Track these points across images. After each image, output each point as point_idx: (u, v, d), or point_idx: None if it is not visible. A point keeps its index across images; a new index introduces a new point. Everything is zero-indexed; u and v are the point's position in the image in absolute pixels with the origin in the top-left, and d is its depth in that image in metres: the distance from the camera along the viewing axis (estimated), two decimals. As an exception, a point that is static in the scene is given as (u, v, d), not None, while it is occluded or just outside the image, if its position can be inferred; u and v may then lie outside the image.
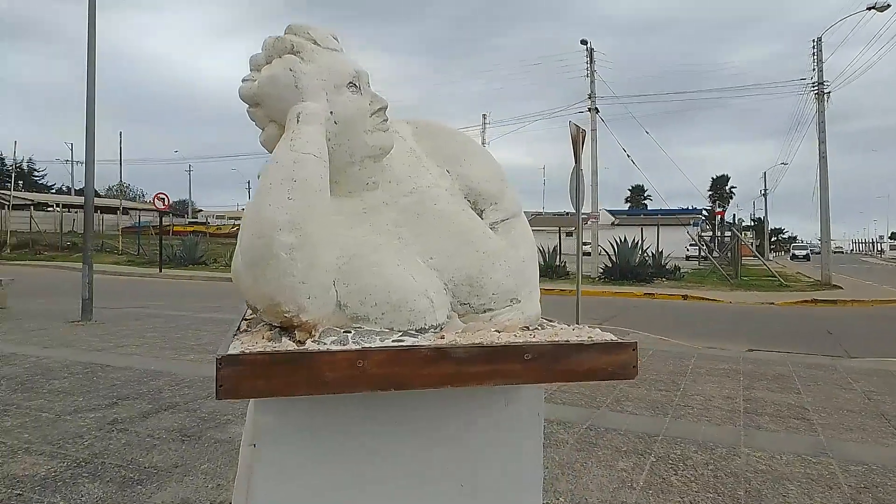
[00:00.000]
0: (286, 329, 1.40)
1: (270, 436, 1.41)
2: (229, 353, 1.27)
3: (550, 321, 1.84)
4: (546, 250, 22.82)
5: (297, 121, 1.51)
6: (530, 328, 1.68)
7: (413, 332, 1.50)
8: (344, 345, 1.35)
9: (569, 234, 29.12)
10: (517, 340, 1.47)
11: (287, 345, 1.34)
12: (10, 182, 47.05)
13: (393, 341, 1.40)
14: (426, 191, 1.75)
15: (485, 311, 1.71)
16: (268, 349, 1.31)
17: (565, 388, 5.57)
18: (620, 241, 22.72)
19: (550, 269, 22.37)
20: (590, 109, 25.10)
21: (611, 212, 35.85)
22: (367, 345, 1.36)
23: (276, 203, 1.38)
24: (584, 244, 19.71)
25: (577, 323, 1.79)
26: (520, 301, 1.75)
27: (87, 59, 9.94)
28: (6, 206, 40.56)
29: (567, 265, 23.42)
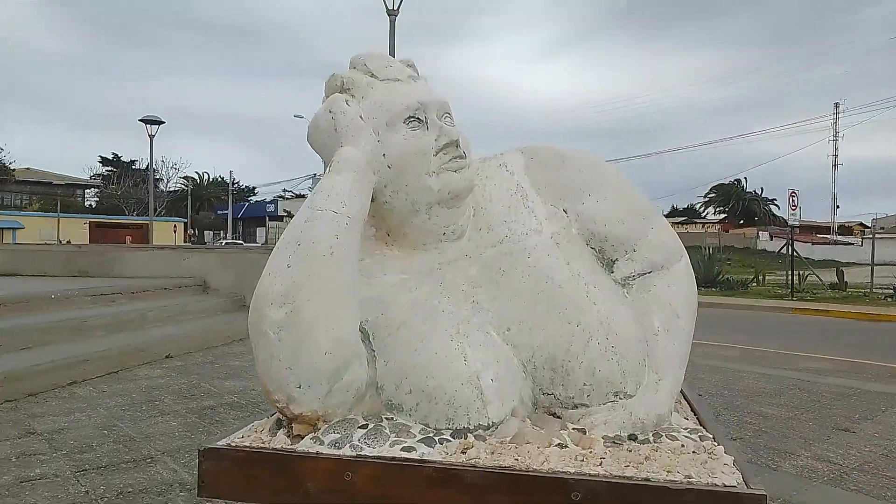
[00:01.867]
0: (290, 420, 1.22)
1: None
2: (216, 445, 1.15)
3: (696, 429, 1.33)
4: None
5: (329, 170, 1.33)
6: (637, 438, 1.22)
7: (448, 432, 1.19)
8: (339, 448, 1.13)
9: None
10: (566, 469, 1.05)
11: (280, 440, 1.17)
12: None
13: (402, 448, 1.13)
14: (519, 239, 1.42)
15: (575, 407, 1.30)
16: (253, 444, 1.16)
17: None
18: None
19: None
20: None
21: None
22: (365, 451, 1.11)
23: (275, 271, 1.21)
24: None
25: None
26: (628, 395, 1.29)
27: None
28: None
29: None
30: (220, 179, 55.78)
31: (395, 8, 12.58)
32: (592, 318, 1.32)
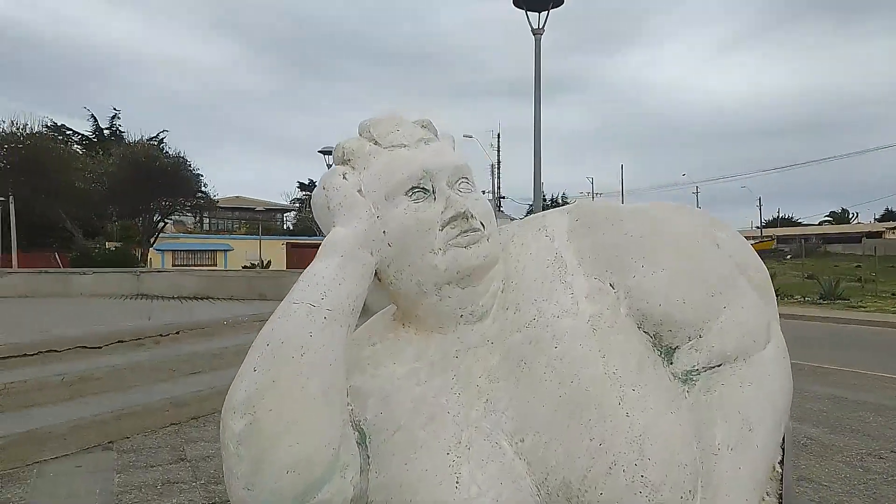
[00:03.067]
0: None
1: None
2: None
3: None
4: None
5: (317, 256, 1.21)
6: None
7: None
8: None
9: None
10: None
11: None
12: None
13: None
14: (549, 323, 1.19)
15: None
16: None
17: None
18: None
19: None
20: None
21: None
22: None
23: (242, 373, 1.11)
24: None
25: None
26: None
27: (533, 100, 12.22)
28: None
29: None
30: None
31: (541, 27, 12.38)
32: (621, 434, 1.06)
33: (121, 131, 33.28)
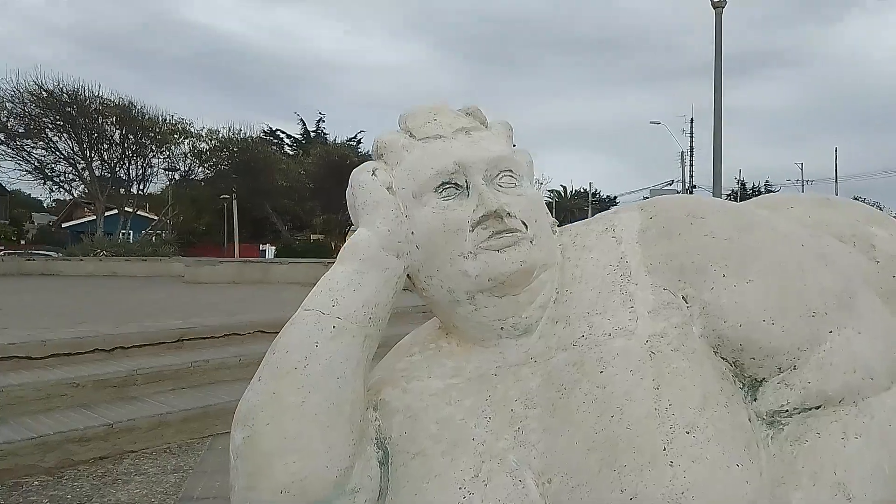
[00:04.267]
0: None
1: None
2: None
3: None
4: None
5: (336, 260, 1.09)
6: None
7: None
8: None
9: None
10: None
11: None
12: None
13: None
14: (598, 342, 0.99)
15: None
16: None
17: None
18: None
19: None
20: None
21: None
22: None
23: (251, 384, 1.03)
24: None
25: None
26: None
27: (714, 79, 11.51)
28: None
29: None
30: (581, 191, 57.87)
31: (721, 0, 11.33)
32: (659, 488, 0.82)
33: (325, 133, 36.55)
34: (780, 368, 0.93)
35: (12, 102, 19.57)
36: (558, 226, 1.19)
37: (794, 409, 0.92)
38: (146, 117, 21.51)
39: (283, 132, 36.22)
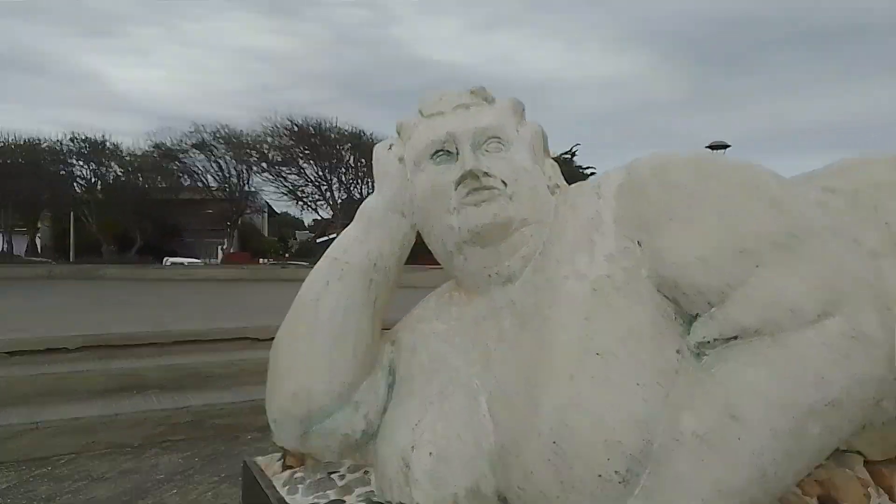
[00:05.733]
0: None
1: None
2: (254, 459, 1.37)
3: None
4: None
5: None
6: None
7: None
8: (293, 494, 1.18)
9: None
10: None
11: (275, 468, 1.30)
12: None
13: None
14: (555, 285, 1.13)
15: None
16: (267, 466, 1.32)
17: None
18: None
19: None
20: None
21: None
22: (298, 498, 1.14)
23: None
24: None
25: None
26: None
27: None
28: None
29: None
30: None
31: None
32: (553, 400, 0.93)
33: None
34: (710, 304, 0.97)
35: (272, 136, 23.17)
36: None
37: (715, 339, 0.96)
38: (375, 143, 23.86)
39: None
